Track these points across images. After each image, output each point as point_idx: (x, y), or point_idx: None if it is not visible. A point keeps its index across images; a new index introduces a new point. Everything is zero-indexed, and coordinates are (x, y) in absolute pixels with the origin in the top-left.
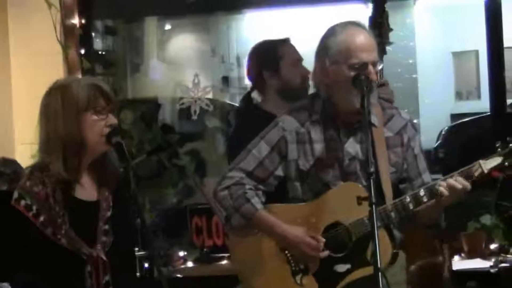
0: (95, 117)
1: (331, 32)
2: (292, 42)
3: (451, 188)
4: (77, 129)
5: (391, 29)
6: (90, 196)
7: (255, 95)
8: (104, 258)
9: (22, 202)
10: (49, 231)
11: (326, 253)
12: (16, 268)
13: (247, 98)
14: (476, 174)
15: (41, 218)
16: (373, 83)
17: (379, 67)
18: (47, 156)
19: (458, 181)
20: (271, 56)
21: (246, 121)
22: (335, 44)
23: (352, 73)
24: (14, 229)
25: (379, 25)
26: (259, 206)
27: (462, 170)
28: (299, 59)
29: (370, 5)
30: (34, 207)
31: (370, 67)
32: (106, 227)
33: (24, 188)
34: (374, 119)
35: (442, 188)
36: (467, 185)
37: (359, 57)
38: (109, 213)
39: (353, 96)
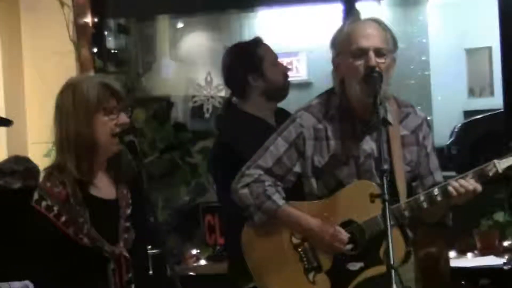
0: (105, 117)
1: (340, 27)
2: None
3: (462, 188)
4: (88, 129)
5: None
6: (109, 194)
7: (235, 99)
8: (127, 255)
9: (43, 204)
10: (71, 231)
11: (349, 246)
12: (33, 267)
13: (228, 103)
14: (491, 173)
15: (63, 219)
16: (380, 73)
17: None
18: (62, 156)
19: (469, 182)
20: (253, 59)
21: (232, 126)
22: (340, 36)
23: (354, 62)
24: (33, 228)
25: None
26: (281, 202)
27: (477, 170)
28: (276, 57)
29: (382, 2)
30: (55, 208)
31: (371, 54)
32: (127, 224)
33: (44, 189)
34: (390, 117)
35: (452, 188)
36: (478, 186)
37: (359, 43)
38: (128, 211)
39: (365, 91)
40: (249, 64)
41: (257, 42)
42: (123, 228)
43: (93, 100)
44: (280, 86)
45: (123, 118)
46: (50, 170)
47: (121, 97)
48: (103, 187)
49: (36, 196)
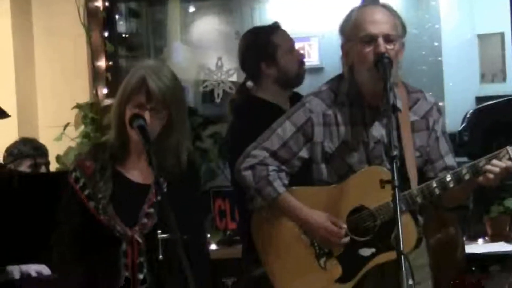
0: (132, 110)
1: (349, 12)
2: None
3: (496, 168)
4: (119, 114)
5: None
6: (142, 179)
7: (249, 84)
8: (139, 239)
9: (73, 175)
10: (92, 205)
11: (347, 239)
12: (57, 241)
13: (242, 89)
14: (503, 160)
15: (86, 192)
16: (389, 59)
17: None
18: (109, 133)
19: (503, 162)
20: (267, 47)
21: (245, 111)
22: (348, 22)
23: (363, 49)
24: (62, 197)
25: None
26: (281, 189)
27: (490, 156)
28: (292, 45)
29: None
30: (82, 181)
31: (380, 40)
32: (151, 210)
33: (78, 161)
34: (399, 103)
35: (490, 167)
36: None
37: (367, 29)
38: (156, 199)
39: (375, 78)
40: (262, 51)
41: (273, 28)
42: (144, 213)
43: (126, 91)
44: (294, 74)
45: (146, 116)
46: (94, 145)
47: (152, 97)
48: (139, 172)
49: (72, 167)
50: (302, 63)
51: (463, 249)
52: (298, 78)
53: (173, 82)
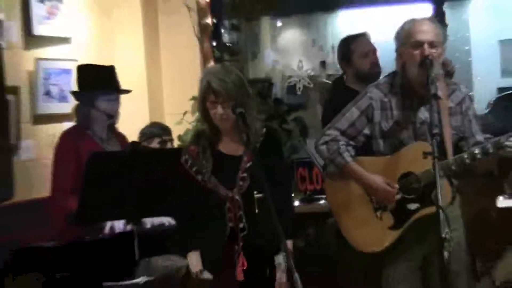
0: (209, 106)
1: (403, 24)
2: (369, 34)
3: None
4: (203, 110)
5: (447, 24)
6: (235, 152)
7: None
8: (238, 198)
9: (183, 158)
10: (200, 178)
11: (398, 196)
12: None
13: (339, 77)
14: None
15: (194, 169)
16: (433, 60)
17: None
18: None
19: None
20: (345, 52)
21: (336, 93)
22: (402, 31)
23: (413, 51)
24: (178, 174)
25: (440, 22)
26: (349, 159)
27: (509, 134)
28: (368, 50)
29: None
30: (189, 161)
31: (425, 45)
32: (244, 175)
33: (186, 147)
34: (440, 93)
35: (510, 143)
36: None
37: (415, 37)
38: (248, 165)
39: (420, 74)
40: (342, 54)
41: (356, 36)
42: (239, 177)
43: (200, 92)
44: (366, 73)
45: (219, 110)
46: (195, 133)
47: (219, 94)
48: (232, 146)
49: (183, 152)
50: (374, 64)
51: (495, 210)
52: (372, 75)
53: (235, 79)
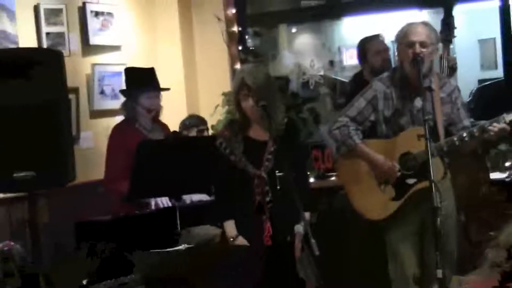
0: (241, 99)
1: (401, 27)
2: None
3: (496, 128)
4: (237, 103)
5: (456, 27)
6: (262, 137)
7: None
8: (264, 175)
9: (218, 140)
10: (232, 158)
11: (398, 173)
12: (216, 180)
13: (359, 71)
14: (501, 123)
15: (227, 151)
16: (422, 58)
17: (439, 52)
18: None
19: (501, 125)
20: (361, 50)
21: (355, 85)
22: (400, 33)
23: (407, 50)
24: (214, 156)
25: (448, 24)
26: (358, 141)
27: (492, 120)
28: (380, 50)
29: (424, 11)
30: (223, 144)
31: (417, 45)
32: (269, 156)
33: (219, 132)
34: (433, 85)
35: (492, 128)
36: (507, 127)
37: (409, 38)
38: (272, 148)
39: (413, 69)
40: (359, 52)
41: (372, 37)
42: (265, 158)
43: (236, 86)
44: (378, 68)
45: (250, 102)
46: (229, 121)
47: (251, 89)
48: (259, 133)
49: (217, 136)
50: (385, 61)
51: (486, 182)
52: (384, 70)
53: (264, 77)
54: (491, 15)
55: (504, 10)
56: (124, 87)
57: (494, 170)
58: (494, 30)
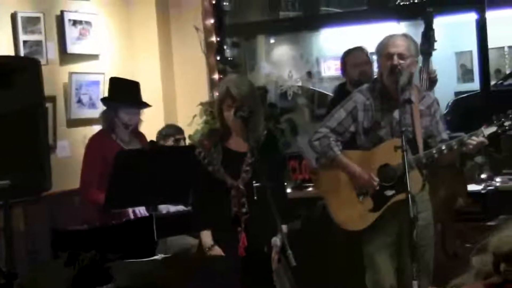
0: (225, 108)
1: (381, 39)
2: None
3: (474, 141)
4: (219, 113)
5: (436, 40)
6: (240, 148)
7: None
8: (242, 187)
9: (197, 150)
10: (211, 168)
11: (377, 186)
12: (193, 189)
13: (343, 82)
14: (479, 137)
15: (206, 160)
16: (400, 69)
17: (418, 64)
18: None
19: (479, 138)
20: (341, 62)
21: (338, 95)
22: (380, 45)
23: (386, 62)
24: (193, 165)
25: (428, 37)
26: (337, 152)
27: (471, 134)
28: (358, 63)
29: (402, 23)
30: (202, 154)
31: (395, 57)
32: (247, 168)
33: (199, 141)
34: (413, 98)
35: (470, 141)
36: (485, 141)
37: (387, 49)
38: (250, 160)
39: (391, 81)
40: (341, 65)
41: (352, 50)
42: (243, 170)
43: (220, 96)
44: (355, 80)
45: (232, 113)
46: (209, 130)
47: (235, 100)
48: (239, 143)
49: (197, 145)
50: (362, 73)
51: (463, 194)
52: (360, 81)
53: (249, 88)
54: (468, 28)
55: (480, 23)
56: (104, 95)
57: (470, 182)
58: (470, 43)
